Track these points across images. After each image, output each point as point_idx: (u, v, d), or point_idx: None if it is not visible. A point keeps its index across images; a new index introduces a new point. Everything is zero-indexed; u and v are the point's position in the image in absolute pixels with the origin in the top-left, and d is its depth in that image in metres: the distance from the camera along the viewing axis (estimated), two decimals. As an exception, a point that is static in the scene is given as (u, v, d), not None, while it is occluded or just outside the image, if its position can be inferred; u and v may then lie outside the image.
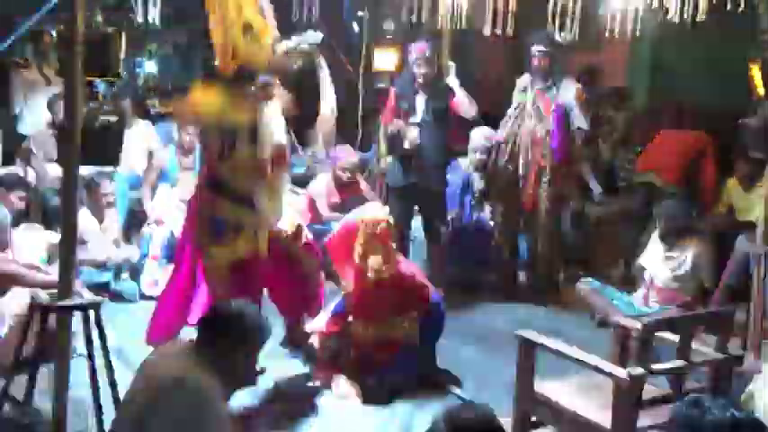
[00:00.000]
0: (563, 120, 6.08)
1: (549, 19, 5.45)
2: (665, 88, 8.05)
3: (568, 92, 6.09)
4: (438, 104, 5.98)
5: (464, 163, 6.68)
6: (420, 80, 6.00)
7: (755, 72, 4.65)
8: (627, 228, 6.79)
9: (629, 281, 6.10)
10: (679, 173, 6.55)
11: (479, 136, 6.50)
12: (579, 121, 6.13)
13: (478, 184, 6.56)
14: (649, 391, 3.36)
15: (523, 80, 6.20)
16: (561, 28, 5.44)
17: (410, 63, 6.10)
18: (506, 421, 3.39)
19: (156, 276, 5.83)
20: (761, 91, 4.66)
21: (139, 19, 5.19)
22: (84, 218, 5.49)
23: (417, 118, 6.00)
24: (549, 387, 3.57)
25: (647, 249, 5.60)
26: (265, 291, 4.60)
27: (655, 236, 5.51)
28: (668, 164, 6.60)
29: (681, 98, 7.44)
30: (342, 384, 4.39)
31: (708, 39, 7.31)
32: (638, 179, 6.92)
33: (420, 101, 6.01)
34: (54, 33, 7.07)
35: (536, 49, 6.02)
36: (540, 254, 6.27)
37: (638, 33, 5.46)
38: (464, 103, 6.00)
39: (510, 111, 6.26)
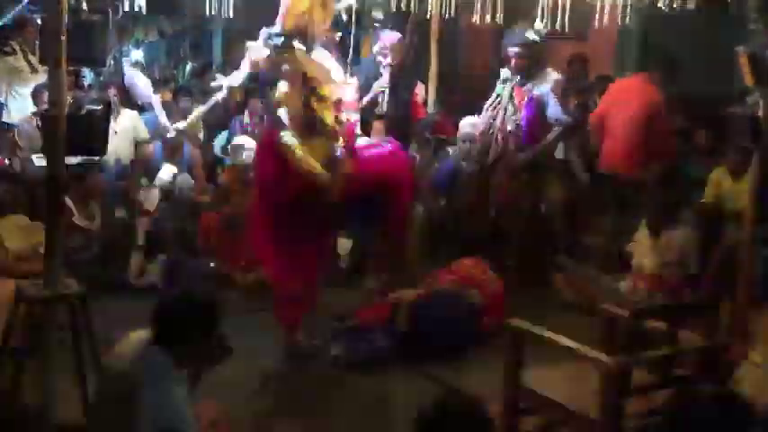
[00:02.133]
0: (536, 113, 6.05)
1: (539, 7, 5.45)
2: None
3: (545, 84, 6.06)
4: (402, 97, 5.99)
5: (453, 152, 6.69)
6: (384, 71, 6.01)
7: (743, 61, 4.64)
8: (614, 215, 6.79)
9: (617, 268, 6.13)
10: (637, 164, 6.50)
11: (468, 125, 6.51)
12: (556, 112, 6.08)
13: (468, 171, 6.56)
14: (637, 378, 3.37)
15: (505, 72, 6.19)
16: (551, 15, 5.43)
17: (375, 53, 6.10)
18: (494, 409, 3.39)
19: (143, 267, 5.80)
20: (749, 80, 4.66)
21: (126, 7, 5.16)
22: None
23: (382, 109, 6.02)
24: (537, 375, 3.58)
25: (634, 237, 5.62)
26: None
27: (642, 223, 5.53)
28: (623, 160, 6.58)
29: (669, 87, 7.44)
30: None
31: (696, 27, 7.33)
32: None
33: (385, 92, 6.03)
34: (39, 20, 6.99)
35: (511, 50, 6.01)
36: (524, 242, 6.27)
37: (627, 21, 5.47)
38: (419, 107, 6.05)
39: (488, 102, 6.25)
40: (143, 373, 2.67)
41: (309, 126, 4.59)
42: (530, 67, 6.02)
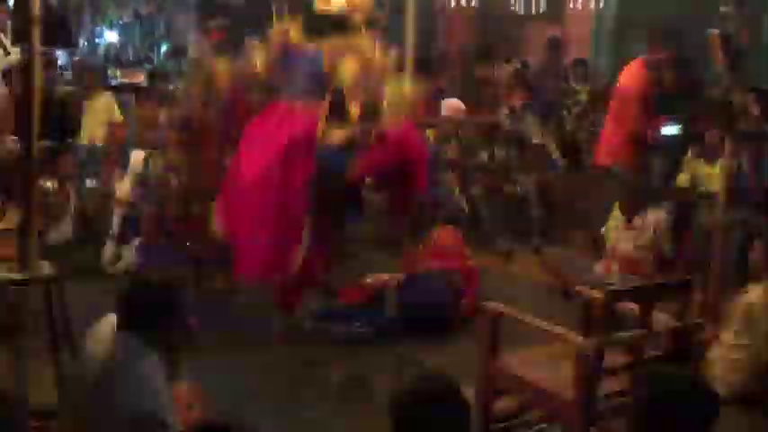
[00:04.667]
0: None
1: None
2: (630, 60, 8.09)
3: None
4: None
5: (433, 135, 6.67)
6: None
7: (714, 43, 4.67)
8: (591, 198, 6.84)
9: (593, 251, 6.18)
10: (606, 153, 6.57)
11: (452, 107, 6.51)
12: None
13: (448, 154, 6.56)
14: (611, 359, 3.40)
15: None
16: None
17: None
18: (470, 391, 3.41)
19: (118, 254, 5.75)
20: (721, 63, 4.69)
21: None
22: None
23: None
24: (513, 357, 3.61)
25: (609, 220, 5.67)
26: None
27: (616, 206, 5.57)
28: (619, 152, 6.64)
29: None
30: None
31: (671, 9, 7.36)
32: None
33: None
34: (11, 2, 6.90)
35: None
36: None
37: (601, 5, 5.48)
38: None
39: None
40: (117, 357, 2.66)
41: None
42: None
